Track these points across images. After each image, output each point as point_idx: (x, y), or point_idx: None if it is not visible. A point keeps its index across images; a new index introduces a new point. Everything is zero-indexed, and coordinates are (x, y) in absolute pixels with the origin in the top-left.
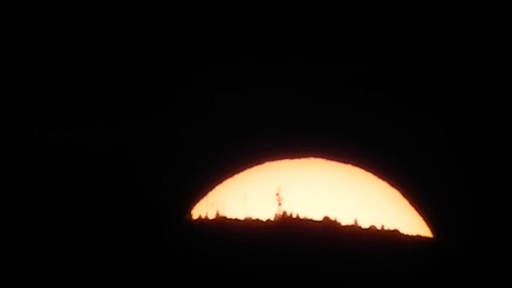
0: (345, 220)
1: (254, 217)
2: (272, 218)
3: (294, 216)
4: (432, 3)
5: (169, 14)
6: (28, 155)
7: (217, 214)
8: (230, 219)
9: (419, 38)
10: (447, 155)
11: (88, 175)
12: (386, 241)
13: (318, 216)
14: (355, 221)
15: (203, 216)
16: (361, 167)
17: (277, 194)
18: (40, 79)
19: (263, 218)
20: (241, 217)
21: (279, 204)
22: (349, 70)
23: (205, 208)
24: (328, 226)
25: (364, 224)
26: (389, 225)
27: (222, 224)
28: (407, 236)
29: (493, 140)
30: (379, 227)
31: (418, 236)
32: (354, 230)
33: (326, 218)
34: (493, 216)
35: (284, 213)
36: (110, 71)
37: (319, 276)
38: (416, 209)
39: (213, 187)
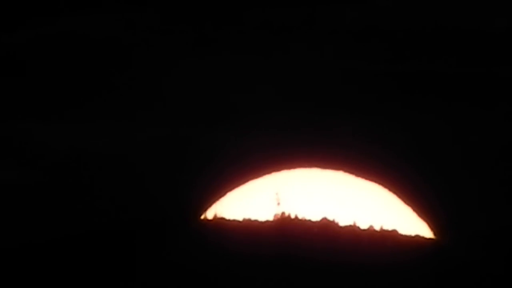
0: (343, 221)
1: (252, 217)
2: (271, 219)
3: (293, 216)
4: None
5: (173, 12)
6: (45, 155)
7: (215, 215)
8: (228, 220)
9: (419, 37)
10: (448, 152)
11: (93, 176)
12: (385, 241)
13: (316, 217)
14: (354, 222)
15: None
16: (354, 169)
17: (276, 194)
18: (54, 78)
19: (262, 218)
20: (240, 217)
21: (278, 204)
22: (347, 69)
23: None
24: (326, 227)
25: (363, 225)
26: (388, 226)
27: (220, 225)
28: (407, 237)
29: (494, 138)
30: (377, 228)
31: (418, 237)
32: (352, 231)
33: (325, 219)
34: (498, 214)
35: (283, 213)
36: (125, 70)
37: (318, 276)
38: (416, 209)
39: (224, 194)
